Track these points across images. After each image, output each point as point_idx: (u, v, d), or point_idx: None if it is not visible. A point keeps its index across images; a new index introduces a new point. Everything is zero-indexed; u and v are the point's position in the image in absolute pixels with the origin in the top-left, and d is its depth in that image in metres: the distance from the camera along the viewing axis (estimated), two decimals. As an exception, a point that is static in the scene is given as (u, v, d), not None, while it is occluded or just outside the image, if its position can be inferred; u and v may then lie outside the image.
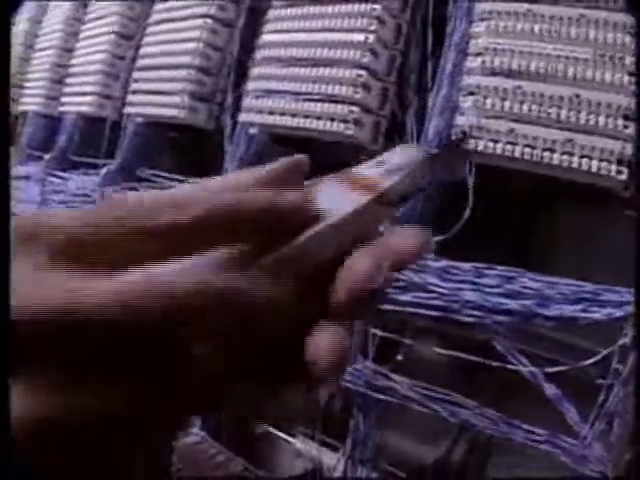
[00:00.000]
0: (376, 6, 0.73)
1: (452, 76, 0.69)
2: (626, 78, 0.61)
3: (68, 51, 1.26)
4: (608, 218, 0.68)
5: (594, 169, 0.59)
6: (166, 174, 0.92)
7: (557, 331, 0.67)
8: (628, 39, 0.62)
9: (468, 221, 0.72)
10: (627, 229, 0.69)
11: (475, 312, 0.62)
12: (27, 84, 1.45)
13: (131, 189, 0.94)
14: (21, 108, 1.45)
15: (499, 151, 0.62)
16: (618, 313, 0.60)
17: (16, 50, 1.53)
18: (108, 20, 1.13)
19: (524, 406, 0.67)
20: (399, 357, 0.75)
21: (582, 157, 0.60)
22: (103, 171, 0.95)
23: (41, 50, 1.38)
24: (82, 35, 1.23)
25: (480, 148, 0.62)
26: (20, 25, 1.62)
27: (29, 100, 1.37)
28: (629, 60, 0.62)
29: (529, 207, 0.73)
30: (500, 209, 0.71)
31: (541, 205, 0.73)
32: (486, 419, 0.62)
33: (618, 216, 0.67)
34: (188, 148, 0.96)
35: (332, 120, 0.72)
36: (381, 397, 0.66)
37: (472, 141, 0.63)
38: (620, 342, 0.62)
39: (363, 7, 0.73)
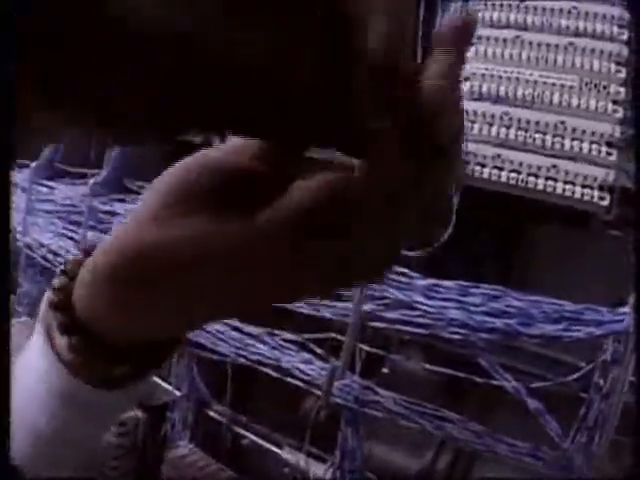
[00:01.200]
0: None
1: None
2: (610, 106, 0.62)
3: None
4: (591, 238, 0.69)
5: (577, 195, 0.60)
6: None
7: (541, 346, 0.68)
8: (613, 67, 0.63)
9: (455, 241, 0.74)
10: (611, 248, 0.71)
11: (460, 330, 0.63)
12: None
13: (119, 200, 0.93)
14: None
15: (485, 175, 0.63)
16: (599, 332, 0.61)
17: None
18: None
19: (508, 419, 0.68)
20: (385, 370, 0.76)
21: (566, 183, 0.61)
22: (91, 181, 0.95)
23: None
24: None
25: (467, 172, 0.63)
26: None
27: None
28: (614, 89, 0.63)
29: (513, 227, 0.74)
30: (485, 230, 0.72)
31: (525, 225, 0.74)
32: (470, 433, 0.63)
33: (601, 236, 0.68)
34: (178, 160, 0.95)
35: None
36: (368, 411, 0.67)
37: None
38: (601, 358, 0.63)
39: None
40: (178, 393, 0.80)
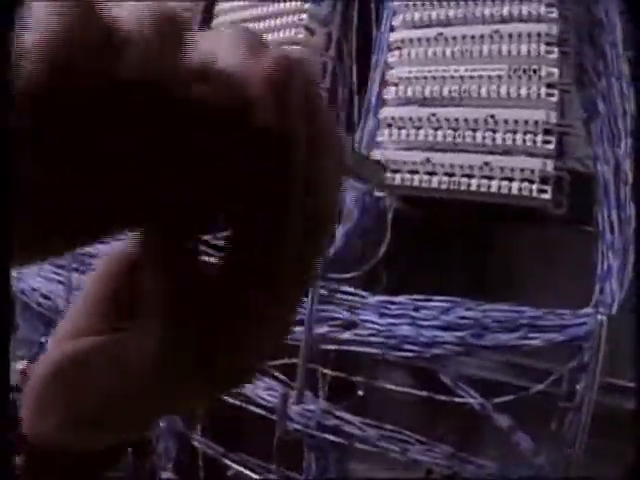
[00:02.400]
0: (297, 47, 0.72)
1: (376, 109, 0.67)
2: (544, 90, 0.57)
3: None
4: (547, 235, 0.64)
5: (515, 191, 0.55)
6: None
7: (514, 354, 0.63)
8: (544, 48, 0.58)
9: (416, 255, 0.70)
10: (570, 244, 0.65)
11: (412, 347, 0.59)
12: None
13: (100, 242, 0.95)
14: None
15: (416, 182, 0.59)
16: (560, 337, 0.55)
17: None
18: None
19: (482, 435, 0.63)
20: (360, 393, 0.72)
21: (502, 179, 0.57)
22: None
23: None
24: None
25: (398, 182, 0.60)
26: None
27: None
28: (546, 71, 0.58)
29: (479, 232, 0.69)
30: (446, 239, 0.68)
31: (492, 228, 0.69)
32: (437, 455, 0.59)
33: (556, 232, 0.63)
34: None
35: None
36: (330, 437, 0.64)
37: (390, 175, 0.60)
38: (570, 365, 0.57)
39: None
40: (161, 425, 0.80)
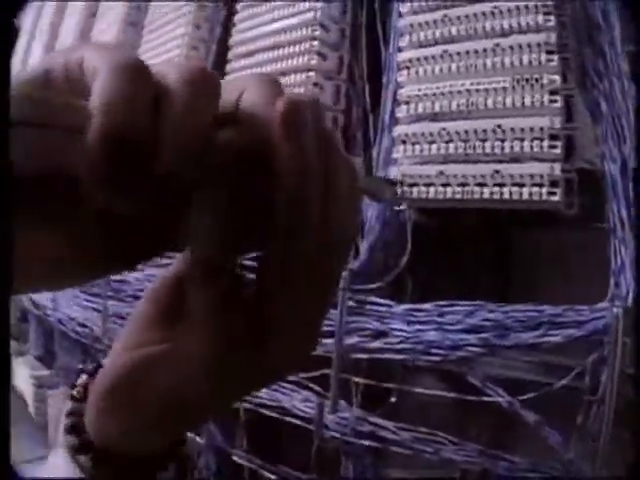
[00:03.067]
0: (311, 74, 0.77)
1: (390, 127, 0.71)
2: (547, 97, 0.61)
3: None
4: (562, 236, 0.67)
5: (525, 196, 0.59)
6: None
7: (538, 352, 0.66)
8: (544, 57, 0.62)
9: (438, 263, 0.74)
10: (584, 243, 0.68)
11: (439, 351, 0.63)
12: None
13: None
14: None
15: (432, 194, 0.63)
16: (578, 333, 0.58)
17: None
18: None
19: (512, 433, 0.66)
20: (393, 399, 0.76)
21: (513, 186, 0.60)
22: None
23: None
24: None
25: (415, 195, 0.64)
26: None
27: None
28: (548, 78, 0.61)
29: (495, 237, 0.73)
30: (464, 246, 0.72)
31: (507, 232, 0.73)
32: (468, 454, 0.62)
33: (571, 232, 0.66)
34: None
35: None
36: (366, 443, 0.67)
37: (407, 189, 0.64)
38: (590, 359, 0.60)
39: (299, 77, 0.77)
40: (200, 441, 0.84)
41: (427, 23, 0.68)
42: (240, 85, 0.21)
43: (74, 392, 0.28)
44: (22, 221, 0.20)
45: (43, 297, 1.27)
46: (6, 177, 0.19)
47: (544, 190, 0.58)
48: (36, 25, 1.74)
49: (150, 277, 1.02)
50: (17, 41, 1.86)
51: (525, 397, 0.62)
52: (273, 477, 0.80)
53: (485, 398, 0.63)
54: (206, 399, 0.23)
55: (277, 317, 0.20)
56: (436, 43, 0.67)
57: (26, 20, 1.85)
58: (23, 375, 1.35)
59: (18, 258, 0.20)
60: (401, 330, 0.65)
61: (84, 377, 0.28)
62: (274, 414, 0.74)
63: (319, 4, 0.79)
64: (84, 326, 1.15)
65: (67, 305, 1.22)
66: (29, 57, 1.70)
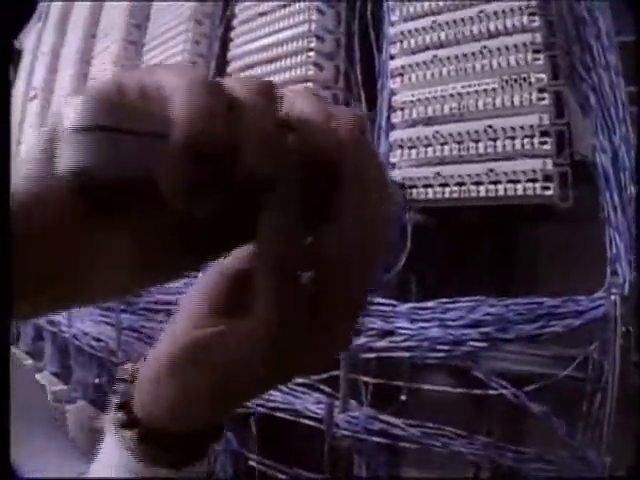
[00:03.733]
0: (309, 84, 0.80)
1: (387, 132, 0.74)
2: (535, 95, 0.63)
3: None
4: (561, 229, 0.69)
5: (520, 192, 0.62)
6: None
7: (541, 344, 0.68)
8: (531, 57, 0.65)
9: (439, 261, 0.76)
10: (582, 234, 0.70)
11: (443, 347, 0.65)
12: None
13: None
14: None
15: (431, 195, 0.66)
16: (577, 322, 0.61)
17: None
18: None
19: (519, 424, 0.68)
20: (403, 397, 0.78)
21: (508, 182, 0.63)
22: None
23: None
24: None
25: (415, 196, 0.67)
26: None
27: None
28: (535, 77, 0.64)
29: (493, 233, 0.75)
30: (463, 243, 0.74)
31: (505, 228, 0.75)
32: (476, 447, 0.64)
33: (569, 224, 0.68)
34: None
35: None
36: (375, 439, 0.70)
37: (407, 191, 0.67)
38: (592, 347, 0.62)
39: (297, 88, 0.81)
40: (217, 447, 0.87)
41: (417, 30, 0.71)
42: (290, 97, 0.23)
43: (124, 375, 0.31)
44: (104, 226, 0.22)
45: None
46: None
47: (538, 185, 0.60)
48: (38, 47, 1.78)
49: (162, 290, 1.05)
50: (20, 63, 1.91)
51: (530, 389, 0.65)
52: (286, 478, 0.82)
53: (491, 392, 0.65)
54: (262, 379, 0.26)
55: (332, 305, 0.23)
56: (426, 49, 0.70)
57: (28, 43, 1.90)
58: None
59: (98, 266, 0.22)
60: (406, 328, 0.68)
61: (130, 364, 0.31)
62: (287, 416, 0.77)
63: (314, 16, 0.82)
64: (99, 340, 1.18)
65: (81, 320, 1.25)
66: (32, 78, 1.74)
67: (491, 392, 0.65)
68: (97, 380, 1.25)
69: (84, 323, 1.23)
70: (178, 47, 1.07)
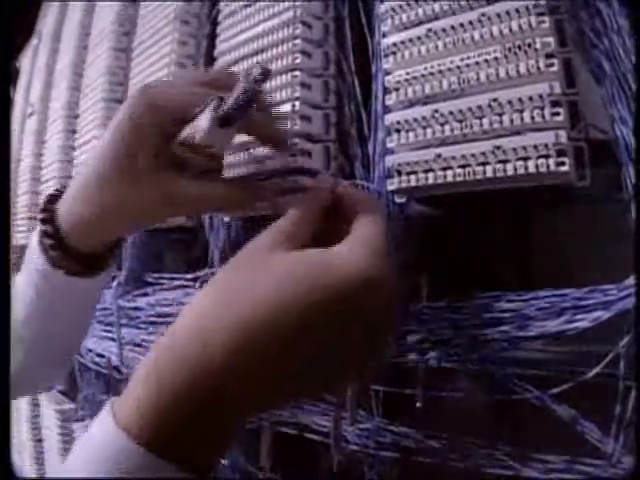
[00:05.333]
0: (297, 73, 0.74)
1: (383, 118, 0.67)
2: (542, 62, 0.56)
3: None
4: (577, 212, 0.62)
5: (532, 169, 0.54)
6: (170, 275, 0.96)
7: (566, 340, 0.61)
8: (535, 20, 0.57)
9: (449, 255, 0.70)
10: (602, 217, 0.63)
11: (456, 350, 0.58)
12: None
13: (143, 295, 0.99)
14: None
15: (432, 180, 0.59)
16: (606, 315, 0.53)
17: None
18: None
19: (546, 430, 0.61)
20: (418, 404, 0.71)
21: (518, 160, 0.56)
22: (114, 283, 1.01)
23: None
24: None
25: (413, 183, 0.60)
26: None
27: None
28: (541, 42, 0.57)
29: (507, 222, 0.68)
30: (473, 234, 0.67)
31: (519, 216, 0.68)
32: (499, 458, 0.57)
33: (586, 207, 0.61)
34: (186, 245, 1.00)
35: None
36: (387, 454, 0.63)
37: (405, 178, 0.60)
38: (624, 341, 0.55)
39: (284, 78, 0.74)
40: (224, 462, 0.81)
41: (408, 4, 0.64)
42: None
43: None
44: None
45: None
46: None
47: (551, 161, 0.53)
48: (34, 65, 1.75)
49: (162, 302, 0.99)
50: (17, 81, 1.89)
51: (556, 391, 0.57)
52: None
53: (513, 396, 0.58)
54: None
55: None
56: (420, 23, 0.64)
57: (25, 62, 1.88)
58: (48, 412, 1.34)
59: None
60: (417, 330, 0.61)
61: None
62: (292, 431, 0.71)
63: (298, 2, 0.76)
64: (102, 356, 1.13)
65: (85, 338, 1.20)
66: (30, 95, 1.71)
67: (513, 397, 0.58)
68: (104, 397, 1.20)
69: (88, 340, 1.18)
70: (165, 49, 1.02)
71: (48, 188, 1.34)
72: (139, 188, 0.54)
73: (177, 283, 0.94)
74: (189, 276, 0.90)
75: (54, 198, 0.61)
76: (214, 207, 0.68)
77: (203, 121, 0.53)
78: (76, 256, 0.59)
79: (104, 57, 1.24)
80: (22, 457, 1.47)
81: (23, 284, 0.62)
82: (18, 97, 1.75)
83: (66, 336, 0.70)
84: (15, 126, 1.71)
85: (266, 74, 0.55)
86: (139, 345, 1.03)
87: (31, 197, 1.47)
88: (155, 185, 0.55)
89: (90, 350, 1.17)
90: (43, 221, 0.59)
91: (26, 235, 1.50)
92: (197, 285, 0.89)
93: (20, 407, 1.48)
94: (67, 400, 1.32)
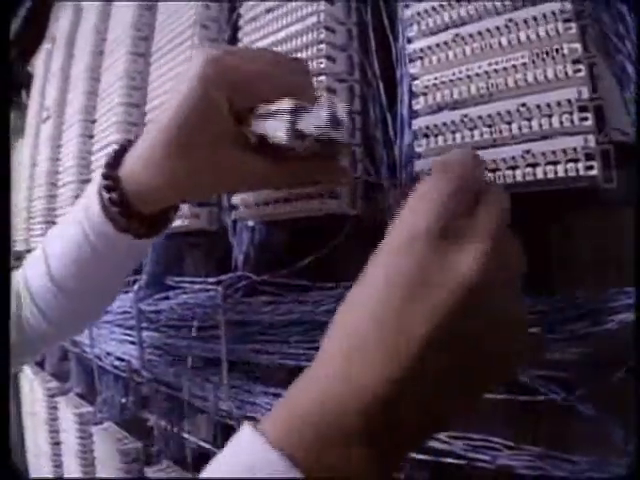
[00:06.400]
0: (322, 78, 0.75)
1: (410, 122, 0.69)
2: (570, 67, 0.58)
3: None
4: (605, 214, 0.63)
5: (561, 173, 0.56)
6: (191, 278, 0.98)
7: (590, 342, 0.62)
8: (561, 26, 0.59)
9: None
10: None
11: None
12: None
13: (164, 299, 1.00)
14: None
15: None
16: (631, 316, 0.54)
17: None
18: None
19: (571, 431, 0.62)
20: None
21: (547, 164, 0.57)
22: (135, 287, 1.03)
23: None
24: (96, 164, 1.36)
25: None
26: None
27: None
28: (569, 48, 0.58)
29: (533, 226, 0.69)
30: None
31: (544, 220, 0.69)
32: (527, 458, 0.58)
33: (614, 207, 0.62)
34: (207, 249, 1.02)
35: (321, 196, 0.71)
36: (419, 457, 0.64)
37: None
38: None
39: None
40: None
41: (434, 9, 0.66)
42: None
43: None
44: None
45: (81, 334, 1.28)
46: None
47: (580, 165, 0.55)
48: (48, 69, 1.78)
49: (183, 306, 1.01)
50: (31, 86, 1.91)
51: (581, 392, 0.58)
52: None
53: (538, 397, 0.59)
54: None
55: None
56: (447, 28, 0.65)
57: (38, 66, 1.90)
58: (66, 415, 1.36)
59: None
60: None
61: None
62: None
63: (322, 7, 0.78)
64: (121, 360, 1.15)
65: (104, 341, 1.22)
66: (45, 100, 1.74)
67: (539, 398, 0.59)
68: (123, 400, 1.22)
69: (107, 343, 1.20)
70: (186, 53, 1.04)
71: (65, 192, 1.37)
72: (213, 160, 0.56)
73: (199, 287, 0.96)
74: (211, 280, 0.92)
75: (115, 163, 0.62)
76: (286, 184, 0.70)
77: (279, 126, 0.54)
78: (142, 220, 0.63)
79: (122, 61, 1.26)
80: (39, 461, 1.50)
81: (72, 241, 0.64)
82: (32, 102, 1.78)
83: (116, 288, 0.78)
84: (30, 130, 1.74)
85: (341, 122, 0.57)
86: (160, 348, 1.05)
87: (47, 201, 1.50)
88: (229, 158, 0.57)
89: (109, 353, 1.19)
90: (108, 188, 0.60)
91: (41, 240, 1.53)
92: (220, 289, 0.90)
93: (37, 411, 1.51)
94: (85, 403, 1.34)
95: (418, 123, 0.65)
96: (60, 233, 0.68)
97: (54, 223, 1.43)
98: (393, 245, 0.40)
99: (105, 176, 0.61)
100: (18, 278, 0.72)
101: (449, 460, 0.65)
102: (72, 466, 1.29)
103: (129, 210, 0.61)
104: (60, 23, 1.81)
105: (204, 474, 0.37)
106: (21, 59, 2.16)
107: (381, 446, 0.32)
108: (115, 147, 0.66)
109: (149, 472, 1.05)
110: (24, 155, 1.77)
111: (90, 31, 1.50)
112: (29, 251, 1.61)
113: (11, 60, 2.00)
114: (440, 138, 0.63)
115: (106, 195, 0.60)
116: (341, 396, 0.33)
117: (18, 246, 1.66)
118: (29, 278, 0.70)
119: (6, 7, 1.20)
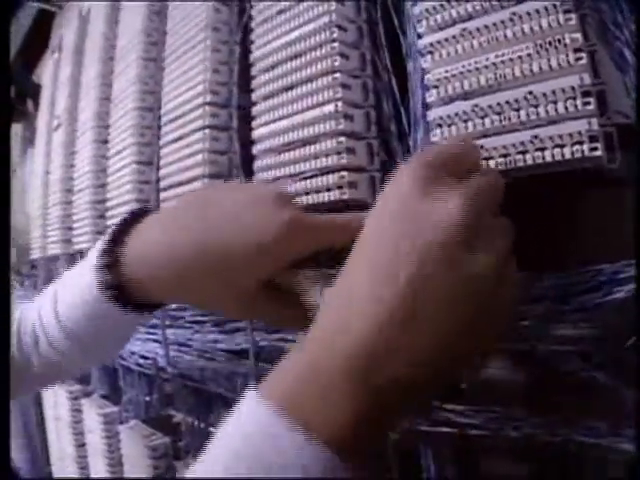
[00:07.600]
0: (337, 75, 0.82)
1: (423, 114, 0.75)
2: (572, 56, 0.63)
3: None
4: (611, 193, 0.69)
5: (568, 155, 0.62)
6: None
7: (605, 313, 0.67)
8: (562, 17, 0.65)
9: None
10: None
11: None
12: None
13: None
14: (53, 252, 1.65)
15: (475, 169, 0.66)
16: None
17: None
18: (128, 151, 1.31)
19: (589, 399, 0.67)
20: (463, 386, 0.78)
21: (554, 148, 0.63)
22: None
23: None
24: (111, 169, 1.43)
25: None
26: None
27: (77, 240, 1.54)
28: (570, 37, 0.64)
29: (539, 206, 0.75)
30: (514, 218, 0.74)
31: (550, 200, 0.75)
32: (549, 427, 0.64)
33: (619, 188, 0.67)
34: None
35: (329, 190, 0.78)
36: (441, 430, 0.70)
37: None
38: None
39: (325, 80, 0.82)
40: None
41: (442, 5, 0.72)
42: None
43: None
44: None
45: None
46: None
47: (585, 147, 0.60)
48: (57, 78, 1.84)
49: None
50: (38, 96, 1.97)
51: (598, 361, 0.64)
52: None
53: (555, 367, 0.65)
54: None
55: None
56: (454, 23, 0.71)
57: (46, 75, 1.96)
58: (90, 417, 1.42)
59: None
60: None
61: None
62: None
63: (333, 6, 0.84)
64: (146, 358, 1.20)
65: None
66: (54, 109, 1.80)
67: (555, 368, 0.64)
68: (148, 398, 1.28)
69: (131, 343, 1.26)
70: (198, 56, 1.10)
71: (82, 197, 1.44)
72: (233, 295, 0.58)
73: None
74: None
75: (121, 236, 0.59)
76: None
77: (316, 297, 0.59)
78: (140, 305, 0.62)
79: (134, 67, 1.32)
80: (64, 464, 1.56)
81: (71, 305, 0.62)
82: (42, 111, 1.85)
83: (112, 352, 0.85)
84: (40, 139, 1.81)
85: None
86: (184, 345, 1.11)
87: (63, 208, 1.57)
88: (251, 300, 0.60)
89: (133, 353, 1.25)
90: (108, 266, 0.57)
91: (58, 246, 1.59)
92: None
93: (61, 414, 1.57)
94: (109, 404, 1.40)
95: (432, 114, 0.71)
96: (67, 313, 0.64)
97: (71, 229, 1.50)
98: (380, 206, 0.48)
99: (107, 251, 0.58)
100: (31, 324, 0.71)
101: (474, 432, 0.70)
102: (99, 466, 1.35)
103: (129, 297, 0.59)
104: (65, 32, 1.88)
105: (212, 443, 0.42)
106: (25, 69, 2.24)
107: (378, 397, 0.34)
108: (126, 216, 0.64)
109: (178, 466, 1.11)
110: (36, 164, 1.85)
111: (98, 38, 1.56)
112: (49, 259, 1.68)
113: (15, 70, 2.07)
114: (453, 127, 0.69)
115: (108, 277, 0.58)
116: (332, 342, 0.36)
117: (34, 254, 1.73)
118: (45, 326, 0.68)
119: (6, 8, 1.26)
